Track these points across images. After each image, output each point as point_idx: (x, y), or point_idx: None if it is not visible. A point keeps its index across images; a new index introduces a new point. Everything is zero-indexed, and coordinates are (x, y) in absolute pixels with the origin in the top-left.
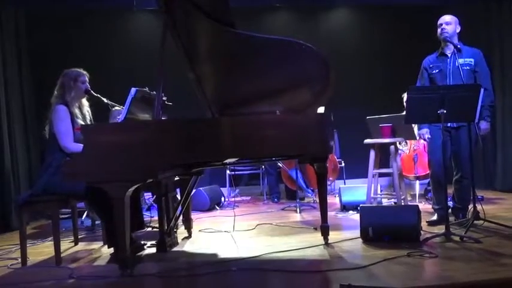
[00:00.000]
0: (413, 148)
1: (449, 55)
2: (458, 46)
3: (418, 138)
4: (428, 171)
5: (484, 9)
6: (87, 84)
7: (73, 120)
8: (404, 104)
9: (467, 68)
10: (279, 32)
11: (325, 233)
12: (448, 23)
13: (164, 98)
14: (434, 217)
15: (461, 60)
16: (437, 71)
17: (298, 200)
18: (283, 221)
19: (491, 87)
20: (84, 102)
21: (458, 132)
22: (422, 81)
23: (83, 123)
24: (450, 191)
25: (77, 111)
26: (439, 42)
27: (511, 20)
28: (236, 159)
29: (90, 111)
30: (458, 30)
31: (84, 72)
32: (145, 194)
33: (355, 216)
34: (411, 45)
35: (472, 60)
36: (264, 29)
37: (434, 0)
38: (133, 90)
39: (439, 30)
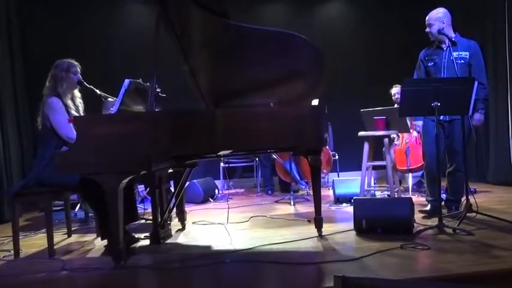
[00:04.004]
0: (406, 141)
1: (444, 48)
2: (453, 39)
3: (411, 130)
4: (420, 164)
5: (479, 2)
6: (79, 75)
7: (67, 112)
8: (393, 99)
9: (462, 61)
10: (273, 23)
11: (318, 225)
12: (431, 25)
13: (158, 90)
14: (428, 207)
15: (455, 54)
16: (432, 64)
17: (292, 193)
18: (277, 213)
19: (486, 81)
20: (77, 93)
21: (451, 125)
22: (420, 73)
23: (76, 114)
24: (444, 183)
25: (69, 102)
26: None
27: (505, 13)
28: (230, 151)
29: (82, 103)
30: (444, 25)
31: (76, 63)
32: (138, 186)
33: (348, 209)
34: (406, 37)
35: (467, 53)
36: (258, 21)
37: None
38: (126, 81)
39: (426, 30)
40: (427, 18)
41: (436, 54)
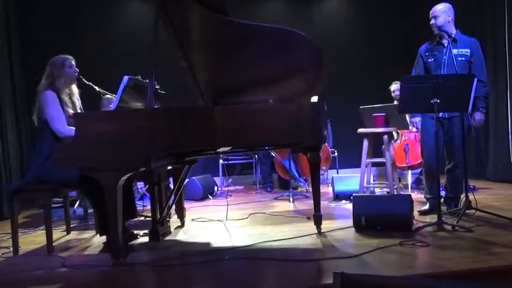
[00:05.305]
0: (404, 138)
1: (445, 44)
2: (453, 36)
3: (411, 127)
4: (420, 161)
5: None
6: (75, 68)
7: (62, 107)
8: (392, 95)
9: (462, 58)
10: (272, 20)
11: (318, 222)
12: (437, 17)
13: (157, 87)
14: (426, 206)
15: (455, 51)
16: (432, 59)
17: (291, 190)
18: (276, 210)
19: (486, 78)
20: (75, 89)
21: (450, 122)
22: (418, 69)
23: (72, 111)
24: (443, 180)
25: (66, 98)
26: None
27: (504, 11)
28: (229, 148)
29: (79, 99)
30: (449, 19)
31: (70, 57)
32: (138, 183)
33: (347, 206)
34: (404, 34)
35: (468, 50)
36: (257, 18)
37: None
38: (125, 78)
39: (430, 22)
40: (431, 11)
41: (438, 50)
